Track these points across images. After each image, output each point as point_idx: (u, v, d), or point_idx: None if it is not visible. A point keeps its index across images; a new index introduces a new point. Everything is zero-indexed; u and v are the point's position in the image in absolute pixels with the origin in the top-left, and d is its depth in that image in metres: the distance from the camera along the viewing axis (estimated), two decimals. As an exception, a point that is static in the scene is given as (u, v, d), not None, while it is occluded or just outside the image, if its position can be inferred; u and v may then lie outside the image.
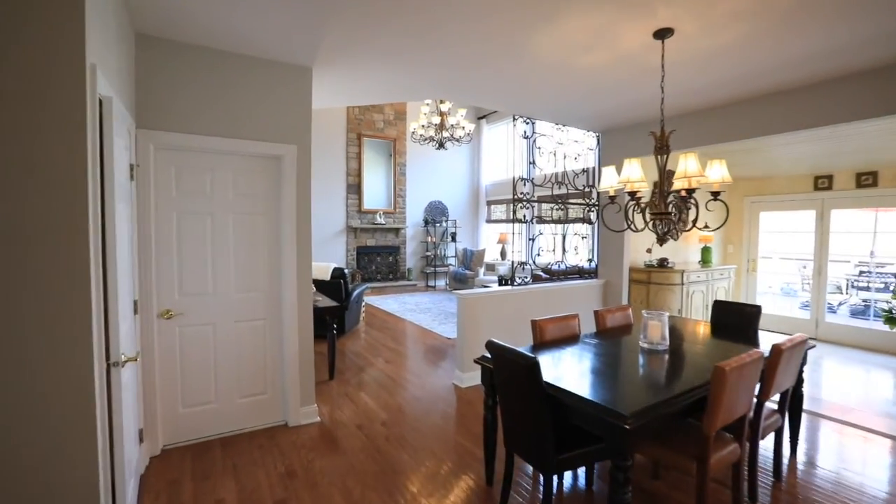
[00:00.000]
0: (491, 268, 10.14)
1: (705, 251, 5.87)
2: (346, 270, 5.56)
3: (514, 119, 4.51)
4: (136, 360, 2.11)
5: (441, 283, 11.24)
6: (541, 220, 4.60)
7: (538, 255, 4.77)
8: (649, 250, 5.38)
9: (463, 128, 7.44)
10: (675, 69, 3.04)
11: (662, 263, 5.18)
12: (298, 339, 3.23)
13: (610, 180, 2.83)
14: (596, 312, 3.22)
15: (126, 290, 2.24)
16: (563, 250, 4.95)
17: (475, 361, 2.56)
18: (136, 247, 2.59)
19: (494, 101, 4.06)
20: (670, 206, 2.56)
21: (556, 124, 4.79)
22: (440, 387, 4.12)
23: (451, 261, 11.40)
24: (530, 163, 4.60)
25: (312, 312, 3.32)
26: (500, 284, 8.52)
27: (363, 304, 6.88)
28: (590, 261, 5.20)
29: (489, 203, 11.66)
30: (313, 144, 3.37)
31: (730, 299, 5.57)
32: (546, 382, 2.02)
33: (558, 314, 3.03)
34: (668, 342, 2.61)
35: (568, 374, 2.24)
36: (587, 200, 5.17)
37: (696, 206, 2.45)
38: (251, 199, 3.10)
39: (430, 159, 11.19)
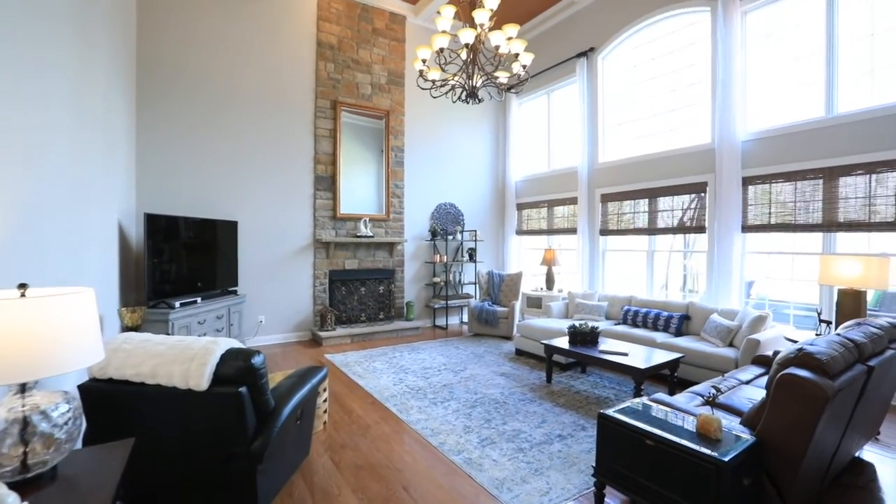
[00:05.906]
0: (535, 303, 6.66)
1: None
2: (256, 359, 2.07)
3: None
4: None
5: (454, 321, 7.72)
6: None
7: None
8: None
9: (516, 56, 4.00)
10: None
11: None
12: None
13: None
14: None
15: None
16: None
17: None
18: None
19: None
20: None
21: None
22: None
23: (470, 289, 7.89)
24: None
25: None
26: (574, 344, 4.13)
27: (323, 395, 3.36)
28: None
29: (520, 207, 8.24)
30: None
31: None
32: None
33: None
34: None
35: None
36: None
37: None
38: None
39: (440, 142, 7.76)
